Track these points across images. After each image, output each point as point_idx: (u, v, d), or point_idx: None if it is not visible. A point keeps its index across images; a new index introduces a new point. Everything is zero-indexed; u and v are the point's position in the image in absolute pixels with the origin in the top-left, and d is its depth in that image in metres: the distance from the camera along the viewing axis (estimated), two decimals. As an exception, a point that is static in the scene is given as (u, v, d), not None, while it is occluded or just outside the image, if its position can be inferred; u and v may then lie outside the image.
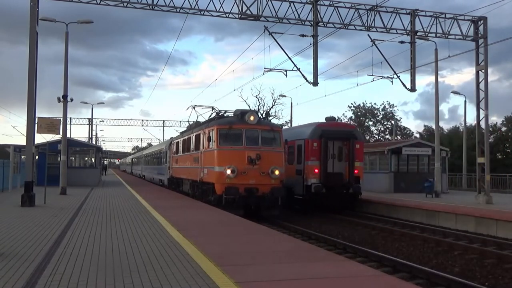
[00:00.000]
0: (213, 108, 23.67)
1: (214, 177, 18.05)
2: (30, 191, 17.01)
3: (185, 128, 30.64)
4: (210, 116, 22.54)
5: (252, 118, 18.32)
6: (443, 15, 24.82)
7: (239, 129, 18.14)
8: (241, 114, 18.61)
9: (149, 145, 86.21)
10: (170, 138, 34.73)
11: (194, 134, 22.01)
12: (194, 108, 25.42)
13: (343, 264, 7.50)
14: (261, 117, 21.20)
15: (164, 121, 75.33)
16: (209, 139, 18.63)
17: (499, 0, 19.10)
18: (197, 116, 26.36)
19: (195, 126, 23.73)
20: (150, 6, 22.55)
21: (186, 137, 24.68)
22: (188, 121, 27.88)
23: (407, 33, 24.79)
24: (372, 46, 23.71)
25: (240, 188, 17.37)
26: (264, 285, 6.10)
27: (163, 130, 74.72)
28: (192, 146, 22.25)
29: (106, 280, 6.17)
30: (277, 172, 17.89)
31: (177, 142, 27.72)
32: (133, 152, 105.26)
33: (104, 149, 78.78)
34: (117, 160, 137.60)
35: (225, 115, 20.89)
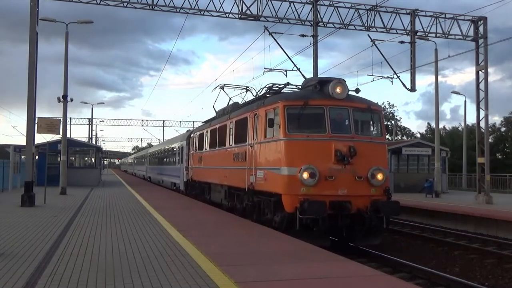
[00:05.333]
0: (247, 89, 19.08)
1: (279, 185, 11.33)
2: (30, 191, 17.01)
3: (185, 126, 28.12)
4: (260, 92, 15.55)
5: (338, 89, 11.60)
6: (443, 15, 24.83)
7: (320, 107, 11.50)
8: (319, 83, 11.96)
9: (149, 145, 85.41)
10: (187, 131, 28.61)
11: (234, 119, 15.41)
12: (223, 88, 19.87)
13: (343, 264, 7.50)
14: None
15: (164, 121, 75.36)
16: (268, 123, 11.93)
17: (503, -1, 19.02)
18: (229, 100, 19.80)
19: (233, 109, 17.06)
20: (150, 6, 22.57)
21: (217, 126, 17.79)
22: (213, 107, 21.13)
23: (407, 33, 24.79)
24: (372, 46, 23.71)
25: (325, 203, 10.75)
26: (264, 285, 6.10)
27: (163, 130, 74.71)
28: (230, 137, 15.81)
29: (106, 280, 6.16)
30: (380, 177, 11.31)
31: (201, 135, 20.96)
32: (133, 152, 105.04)
33: (104, 149, 78.68)
34: (117, 160, 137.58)
35: (284, 90, 14.44)
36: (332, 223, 10.90)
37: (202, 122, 22.94)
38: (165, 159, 35.34)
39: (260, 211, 12.90)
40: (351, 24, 24.32)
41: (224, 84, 19.93)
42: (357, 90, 12.70)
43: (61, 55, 24.15)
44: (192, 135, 23.59)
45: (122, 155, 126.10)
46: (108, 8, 28.89)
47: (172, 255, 7.93)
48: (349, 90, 11.98)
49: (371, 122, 12.42)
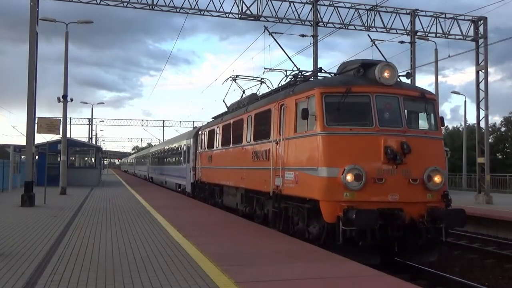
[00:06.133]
0: (262, 81, 17.57)
1: (316, 189, 9.42)
2: (30, 191, 17.01)
3: (185, 126, 27.22)
4: (285, 80, 13.56)
5: (387, 73, 9.70)
6: (443, 15, 24.84)
7: (365, 95, 9.63)
8: (363, 66, 10.09)
9: (149, 145, 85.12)
10: (194, 128, 26.90)
11: (252, 112, 13.54)
12: (235, 80, 18.25)
13: (343, 264, 7.49)
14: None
15: (164, 121, 75.42)
16: (301, 115, 9.81)
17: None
18: (243, 92, 18.34)
19: (250, 101, 15.15)
20: (150, 6, 22.59)
21: (231, 121, 15.88)
22: (223, 101, 19.43)
23: (407, 33, 24.81)
24: (372, 46, 23.68)
25: (376, 212, 8.84)
26: (264, 285, 6.10)
27: (163, 130, 74.74)
28: (248, 133, 13.81)
29: (106, 280, 6.16)
30: (438, 179, 9.52)
31: (211, 132, 18.98)
32: (133, 152, 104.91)
33: (104, 149, 78.67)
34: (117, 160, 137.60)
35: (313, 76, 12.34)
36: (382, 235, 8.94)
37: (212, 118, 20.88)
38: (169, 159, 33.29)
39: (288, 219, 11.02)
40: (351, 24, 24.34)
41: (237, 75, 18.22)
42: (408, 75, 11.11)
43: (62, 55, 24.18)
44: (200, 132, 21.57)
45: (122, 155, 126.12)
46: (109, 8, 28.92)
47: (172, 255, 7.93)
48: (399, 75, 10.16)
49: (425, 113, 10.34)
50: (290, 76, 12.65)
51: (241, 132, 14.54)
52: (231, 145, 15.74)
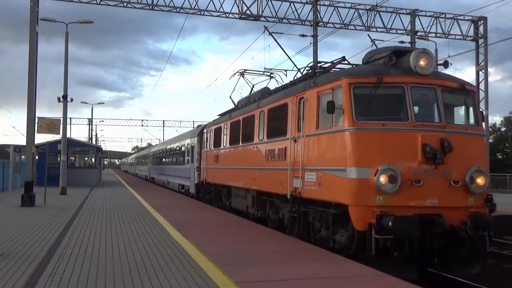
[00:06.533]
0: (271, 76, 16.84)
1: (344, 192, 8.42)
2: (30, 191, 17.02)
3: (185, 126, 26.61)
4: (302, 72, 12.22)
5: (423, 62, 8.66)
6: (443, 15, 24.86)
7: (399, 86, 8.64)
8: (395, 54, 8.99)
9: (149, 145, 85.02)
10: (199, 126, 25.80)
11: (265, 108, 12.58)
12: (242, 75, 17.59)
13: (343, 264, 7.49)
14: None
15: (164, 121, 75.46)
16: (327, 109, 8.70)
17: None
18: (252, 87, 17.53)
19: (262, 95, 14.14)
20: (150, 6, 22.60)
21: (240, 118, 14.94)
22: (230, 97, 18.63)
23: (407, 33, 24.83)
24: (372, 46, 23.70)
25: (417, 219, 7.90)
26: (264, 285, 6.10)
27: (163, 130, 74.77)
28: (261, 130, 12.81)
29: (106, 280, 6.16)
30: (481, 181, 8.55)
31: (217, 130, 18.01)
32: (133, 152, 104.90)
33: (104, 149, 78.68)
34: (117, 160, 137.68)
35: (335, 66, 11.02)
36: (421, 243, 8.04)
37: (218, 115, 19.76)
38: (171, 159, 32.25)
39: (309, 225, 10.01)
40: (351, 24, 24.36)
41: (244, 70, 17.50)
42: (446, 64, 9.95)
43: (62, 55, 24.18)
44: (205, 131, 20.51)
45: (122, 155, 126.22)
46: (109, 8, 28.95)
47: (172, 255, 7.93)
48: (436, 64, 9.03)
49: (465, 106, 9.25)
50: (307, 68, 11.47)
51: (252, 129, 13.53)
52: (240, 144, 14.69)
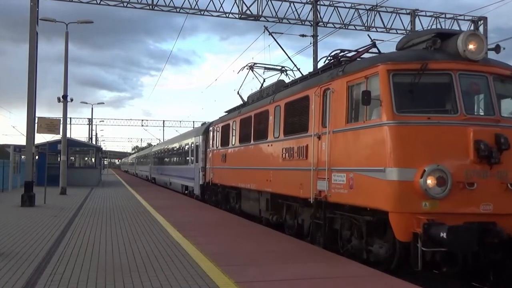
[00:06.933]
0: (283, 71, 16.05)
1: (383, 196, 7.35)
2: (30, 191, 17.02)
3: (185, 126, 25.59)
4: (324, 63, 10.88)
5: (473, 46, 7.58)
6: (443, 15, 24.87)
7: (446, 73, 7.59)
8: (440, 37, 7.85)
9: (149, 145, 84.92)
10: (203, 124, 24.42)
11: (282, 101, 11.55)
12: (252, 68, 16.79)
13: (343, 264, 7.49)
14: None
15: (164, 121, 75.51)
16: (355, 101, 8.20)
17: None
18: (263, 82, 16.61)
19: (277, 89, 13.04)
20: (150, 6, 22.61)
21: (252, 114, 13.91)
22: (238, 92, 17.93)
23: (407, 33, 24.80)
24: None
25: (475, 228, 6.97)
26: (264, 285, 6.10)
27: (163, 130, 74.81)
28: (276, 126, 11.79)
29: (106, 280, 6.16)
30: None
31: (225, 127, 17.02)
32: (133, 152, 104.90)
33: (104, 149, 78.68)
34: (117, 160, 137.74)
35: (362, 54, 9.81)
36: (475, 256, 7.11)
37: (225, 112, 18.75)
38: (174, 158, 31.01)
39: (335, 233, 8.96)
40: (351, 24, 24.37)
41: (254, 63, 16.69)
42: (498, 48, 8.80)
43: (62, 55, 24.19)
44: (211, 129, 19.46)
45: (122, 155, 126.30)
46: (109, 8, 28.95)
47: (172, 255, 7.93)
48: (488, 49, 7.99)
49: None
50: (329, 58, 10.28)
51: (265, 126, 12.50)
52: (252, 142, 13.66)
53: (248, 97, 16.02)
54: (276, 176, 11.57)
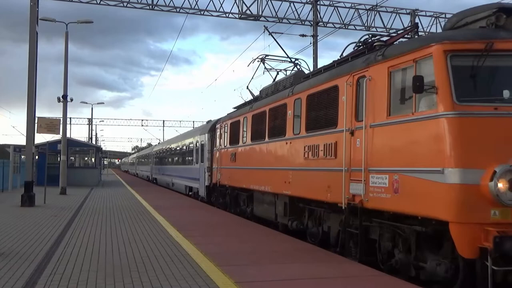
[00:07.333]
0: (296, 63, 15.17)
1: (442, 203, 6.09)
2: (30, 191, 17.01)
3: (185, 126, 24.50)
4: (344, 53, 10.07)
5: None
6: (443, 15, 24.86)
7: None
8: (504, 12, 6.58)
9: (149, 145, 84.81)
10: (209, 122, 22.73)
11: (304, 93, 10.37)
12: (263, 61, 15.91)
13: (343, 265, 7.49)
14: None
15: (164, 121, 75.52)
16: (398, 89, 7.20)
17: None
18: (276, 75, 15.89)
19: (296, 80, 11.80)
20: (150, 6, 22.61)
21: (266, 108, 12.86)
22: (247, 87, 16.97)
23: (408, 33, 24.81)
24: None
25: None
26: (264, 285, 6.09)
27: (163, 130, 74.81)
28: (296, 122, 10.73)
29: (106, 280, 6.16)
30: None
31: (234, 124, 15.95)
32: (133, 151, 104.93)
33: (104, 149, 78.65)
34: (117, 160, 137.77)
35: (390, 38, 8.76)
36: None
37: (234, 108, 17.76)
38: (177, 158, 29.79)
39: (372, 245, 7.82)
40: (351, 24, 24.37)
41: (266, 55, 15.80)
42: None
43: (62, 55, 24.19)
44: (218, 126, 18.31)
45: (122, 155, 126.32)
46: (109, 8, 28.96)
47: (172, 255, 7.93)
48: None
49: None
50: (359, 44, 9.18)
51: (283, 121, 11.45)
52: (266, 139, 12.54)
53: (261, 91, 14.83)
54: (296, 177, 10.46)
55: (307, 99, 10.18)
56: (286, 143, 11.14)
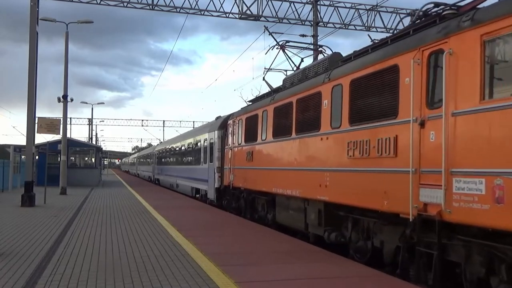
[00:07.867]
0: (320, 51, 14.28)
1: None
2: (30, 191, 17.01)
3: (185, 126, 23.51)
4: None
5: None
6: (443, 15, 24.88)
7: None
8: None
9: (149, 145, 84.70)
10: (219, 118, 20.60)
11: (346, 79, 8.74)
12: (283, 48, 14.61)
13: (343, 264, 7.49)
14: None
15: (164, 121, 75.53)
16: (502, 64, 5.38)
17: None
18: (300, 62, 14.74)
19: (332, 64, 10.11)
20: (150, 6, 22.62)
21: (293, 99, 11.22)
22: (263, 79, 15.76)
23: (407, 33, 24.84)
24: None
25: None
26: (264, 285, 6.10)
27: (163, 130, 74.83)
28: (335, 113, 9.08)
29: (106, 280, 6.16)
30: None
31: (251, 119, 14.31)
32: (133, 151, 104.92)
33: (104, 149, 78.59)
34: (117, 160, 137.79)
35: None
36: None
37: (249, 102, 16.42)
38: (182, 158, 27.97)
39: (450, 268, 6.29)
40: (351, 24, 24.38)
41: (286, 41, 14.60)
42: None
43: (62, 55, 24.20)
44: (230, 122, 16.70)
45: (122, 155, 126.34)
46: (109, 8, 28.97)
47: (172, 255, 7.93)
48: None
49: None
50: (419, 15, 7.64)
51: (316, 113, 9.80)
52: (293, 135, 10.94)
53: (284, 80, 13.17)
54: (335, 179, 8.84)
55: (350, 85, 8.51)
56: (321, 138, 9.52)
